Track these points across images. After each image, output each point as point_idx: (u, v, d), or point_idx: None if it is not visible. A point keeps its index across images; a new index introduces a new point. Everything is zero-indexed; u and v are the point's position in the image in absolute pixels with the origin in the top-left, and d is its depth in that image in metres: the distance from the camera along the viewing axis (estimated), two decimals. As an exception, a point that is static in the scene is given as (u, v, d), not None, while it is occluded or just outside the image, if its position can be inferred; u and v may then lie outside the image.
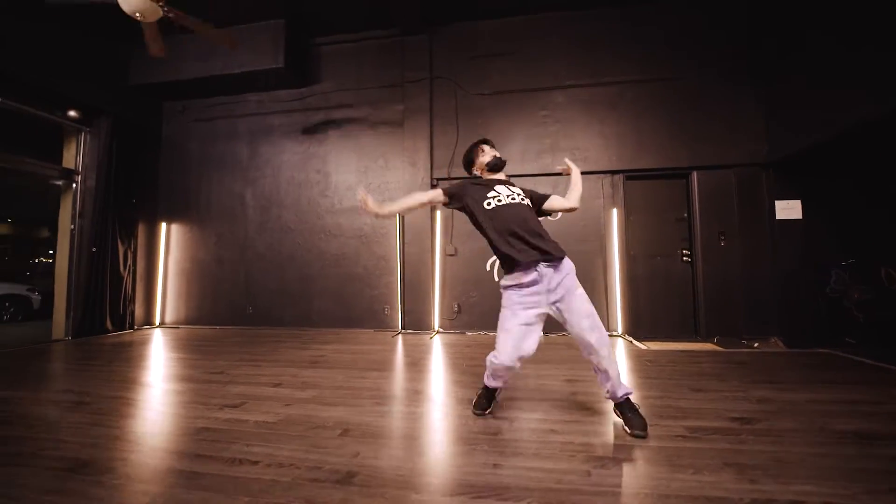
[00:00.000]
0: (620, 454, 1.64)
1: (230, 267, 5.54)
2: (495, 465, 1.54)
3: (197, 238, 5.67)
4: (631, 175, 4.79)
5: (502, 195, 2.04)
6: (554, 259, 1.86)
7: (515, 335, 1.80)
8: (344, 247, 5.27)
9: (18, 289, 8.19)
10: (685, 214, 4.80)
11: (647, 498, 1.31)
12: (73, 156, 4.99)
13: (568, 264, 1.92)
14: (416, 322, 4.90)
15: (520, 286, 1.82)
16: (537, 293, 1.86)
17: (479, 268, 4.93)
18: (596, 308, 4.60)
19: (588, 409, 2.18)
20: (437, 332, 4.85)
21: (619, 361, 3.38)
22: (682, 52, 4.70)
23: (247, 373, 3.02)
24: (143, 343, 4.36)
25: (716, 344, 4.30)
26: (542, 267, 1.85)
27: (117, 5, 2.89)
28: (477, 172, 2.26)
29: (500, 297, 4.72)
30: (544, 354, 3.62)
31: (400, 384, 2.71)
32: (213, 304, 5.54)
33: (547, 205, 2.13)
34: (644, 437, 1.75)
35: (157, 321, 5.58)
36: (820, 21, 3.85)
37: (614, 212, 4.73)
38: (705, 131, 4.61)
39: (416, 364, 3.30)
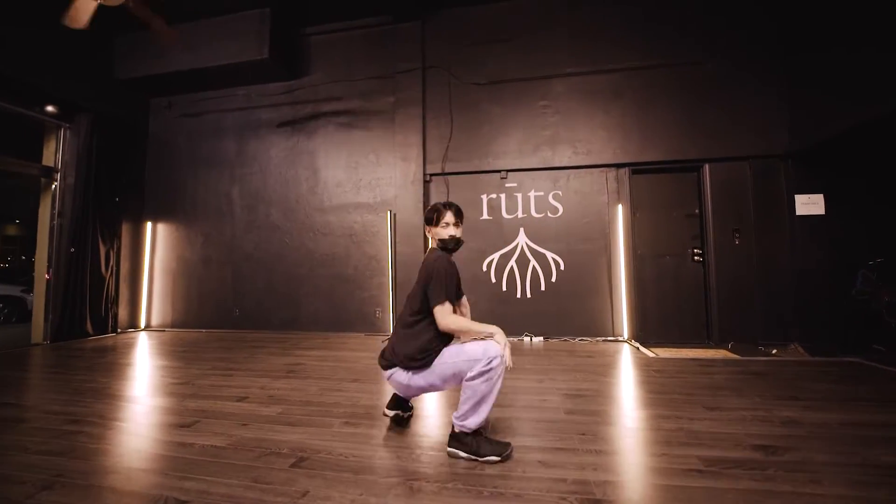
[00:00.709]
0: (621, 494, 1.35)
1: (217, 267, 5.32)
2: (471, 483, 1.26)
3: (183, 237, 5.46)
4: (637, 169, 4.47)
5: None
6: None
7: None
8: (334, 246, 5.02)
9: (12, 290, 8.07)
10: (696, 210, 4.47)
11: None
12: (53, 153, 4.80)
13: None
14: (409, 326, 4.61)
15: None
16: None
17: (474, 269, 4.64)
18: (600, 311, 4.36)
19: (585, 434, 1.89)
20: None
21: (625, 371, 3.08)
22: (691, 37, 4.37)
23: (214, 383, 2.78)
24: (122, 348, 4.15)
25: (730, 351, 3.97)
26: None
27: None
28: (429, 235, 1.97)
29: (496, 300, 4.40)
30: (539, 362, 3.33)
31: (379, 398, 2.44)
32: (200, 306, 5.33)
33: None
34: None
35: (143, 324, 5.38)
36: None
37: (619, 208, 4.41)
38: (718, 121, 4.27)
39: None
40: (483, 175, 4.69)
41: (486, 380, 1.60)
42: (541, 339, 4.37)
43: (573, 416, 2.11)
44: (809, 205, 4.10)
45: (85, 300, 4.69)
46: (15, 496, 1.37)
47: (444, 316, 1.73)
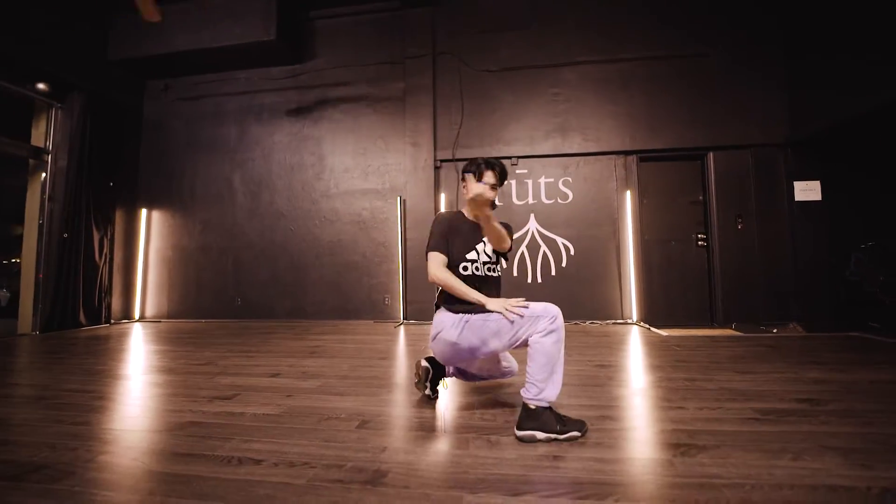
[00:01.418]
0: (704, 439, 1.38)
1: (217, 256, 5.16)
2: (555, 458, 1.27)
3: (180, 225, 5.27)
4: (645, 157, 4.58)
5: (479, 261, 1.71)
6: None
7: None
8: (340, 233, 4.94)
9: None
10: (700, 197, 4.61)
11: (757, 490, 1.05)
12: (43, 134, 4.56)
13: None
14: (420, 312, 4.60)
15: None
16: None
17: (485, 254, 4.65)
18: (609, 295, 4.45)
19: (639, 397, 1.92)
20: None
21: (645, 347, 3.15)
22: (696, 30, 4.51)
23: (238, 363, 2.69)
24: (121, 337, 3.97)
25: (735, 330, 4.11)
26: None
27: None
28: (465, 196, 1.73)
29: (507, 285, 4.45)
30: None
31: (413, 374, 2.41)
32: (198, 296, 5.15)
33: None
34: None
35: (137, 315, 5.17)
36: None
37: (627, 194, 4.51)
38: (721, 111, 4.42)
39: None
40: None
41: (557, 340, 1.44)
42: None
43: (613, 383, 2.14)
44: (807, 191, 4.30)
45: (78, 289, 4.47)
46: (70, 461, 1.29)
47: (431, 266, 1.65)
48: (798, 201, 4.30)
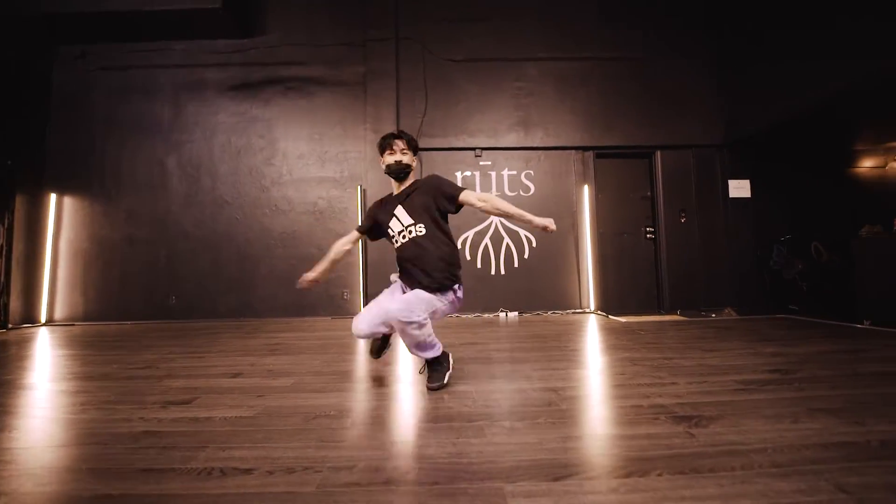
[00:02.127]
0: (704, 410, 1.41)
1: (147, 248, 4.55)
2: (578, 438, 1.21)
3: (100, 213, 4.57)
4: (601, 153, 4.78)
5: (402, 230, 1.92)
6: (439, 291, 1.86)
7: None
8: (294, 224, 4.59)
9: None
10: (648, 193, 4.91)
11: (780, 453, 1.08)
12: None
13: (447, 296, 1.91)
14: (383, 306, 4.39)
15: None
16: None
17: (450, 246, 4.57)
18: (569, 286, 4.57)
19: (625, 374, 1.95)
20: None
21: (610, 332, 3.26)
22: (649, 32, 4.78)
23: (187, 365, 2.35)
24: (23, 343, 3.33)
25: (680, 315, 4.44)
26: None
27: None
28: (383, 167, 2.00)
29: (471, 277, 4.40)
30: (529, 329, 3.38)
31: (393, 366, 2.26)
32: (123, 294, 4.50)
33: (462, 199, 1.88)
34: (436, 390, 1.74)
35: (43, 317, 4.39)
36: (773, 16, 4.13)
37: (585, 189, 4.68)
38: (668, 112, 4.74)
39: (398, 347, 2.86)
40: (458, 152, 4.65)
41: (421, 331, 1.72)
42: (515, 314, 4.46)
43: (605, 364, 2.17)
44: (739, 189, 4.75)
45: (-37, 287, 3.69)
46: (-10, 487, 1.00)
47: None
48: (732, 198, 4.74)
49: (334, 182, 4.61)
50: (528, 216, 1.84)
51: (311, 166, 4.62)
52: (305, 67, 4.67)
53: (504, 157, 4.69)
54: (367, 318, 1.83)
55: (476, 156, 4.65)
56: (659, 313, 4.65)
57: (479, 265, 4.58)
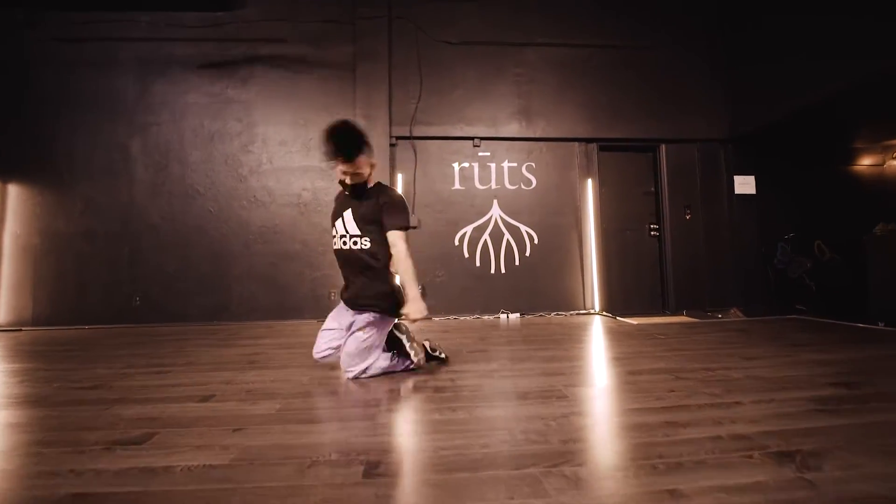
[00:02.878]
0: (799, 446, 1.14)
1: (106, 243, 4.06)
2: (672, 492, 0.92)
3: (52, 203, 4.05)
4: (604, 146, 4.54)
5: (338, 235, 1.91)
6: (355, 308, 1.92)
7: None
8: (275, 217, 4.18)
9: None
10: (652, 188, 4.71)
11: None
12: None
13: (362, 317, 1.89)
14: (374, 308, 4.04)
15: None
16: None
17: (446, 243, 4.26)
18: (572, 285, 4.32)
19: (688, 394, 1.67)
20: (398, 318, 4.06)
21: (631, 336, 3.01)
22: (649, 22, 4.57)
23: (146, 383, 1.95)
24: (-46, 353, 2.83)
25: (687, 316, 4.25)
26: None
27: None
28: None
29: (470, 276, 4.12)
30: (541, 333, 3.10)
31: (411, 378, 1.93)
32: (79, 295, 4.00)
33: (389, 235, 1.84)
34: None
35: (-17, 323, 3.86)
36: (781, 9, 3.98)
37: (589, 183, 4.44)
38: (673, 105, 4.54)
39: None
40: (455, 142, 4.33)
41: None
42: (517, 315, 4.18)
43: (644, 376, 1.89)
44: (745, 185, 4.60)
45: None
46: None
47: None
48: (737, 194, 4.58)
49: (320, 172, 4.21)
50: (409, 292, 1.80)
51: (294, 154, 4.21)
52: (288, 45, 4.25)
53: (504, 148, 4.40)
54: (321, 348, 1.99)
55: (475, 146, 4.34)
56: (664, 314, 4.45)
57: (478, 263, 4.28)
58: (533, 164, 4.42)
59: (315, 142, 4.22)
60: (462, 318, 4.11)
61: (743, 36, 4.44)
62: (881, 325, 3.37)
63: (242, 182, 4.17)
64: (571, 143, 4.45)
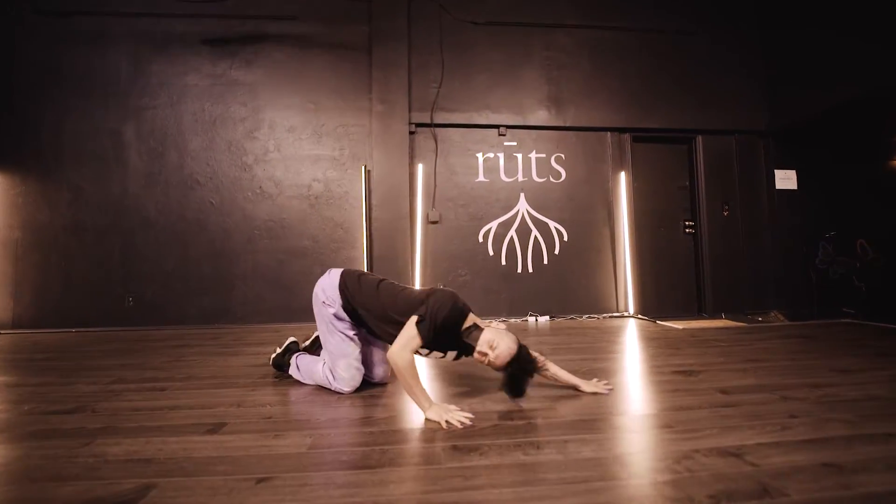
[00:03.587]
0: None
1: (97, 238, 3.69)
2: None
3: (36, 193, 3.67)
4: (637, 136, 4.22)
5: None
6: None
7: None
8: (283, 211, 3.82)
9: None
10: (686, 183, 4.39)
11: None
12: None
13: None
14: (391, 310, 3.70)
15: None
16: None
17: (469, 239, 3.93)
18: (604, 286, 4.00)
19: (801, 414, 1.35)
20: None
21: (685, 343, 2.68)
22: (688, 6, 4.25)
23: (139, 405, 1.61)
24: (-83, 361, 2.46)
25: (728, 320, 3.93)
26: None
27: None
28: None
29: (495, 276, 3.78)
30: (585, 340, 2.77)
31: (488, 399, 1.59)
32: (66, 294, 3.63)
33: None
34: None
35: (-42, 325, 3.48)
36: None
37: (622, 176, 4.11)
38: (711, 93, 4.23)
39: (443, 367, 2.19)
40: (479, 130, 3.99)
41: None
42: (546, 318, 3.85)
43: (743, 395, 1.57)
44: (786, 180, 4.29)
45: None
46: None
47: (407, 347, 1.43)
48: (778, 189, 4.27)
49: (332, 161, 3.86)
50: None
51: (303, 141, 3.85)
52: (297, 23, 3.89)
53: (532, 138, 4.06)
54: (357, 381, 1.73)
55: (500, 134, 4.00)
56: (701, 317, 4.13)
57: (503, 262, 3.94)
58: (562, 156, 4.08)
59: (327, 128, 3.87)
60: (486, 320, 3.76)
61: (786, 19, 4.12)
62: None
63: (247, 171, 3.80)
64: (603, 133, 4.13)
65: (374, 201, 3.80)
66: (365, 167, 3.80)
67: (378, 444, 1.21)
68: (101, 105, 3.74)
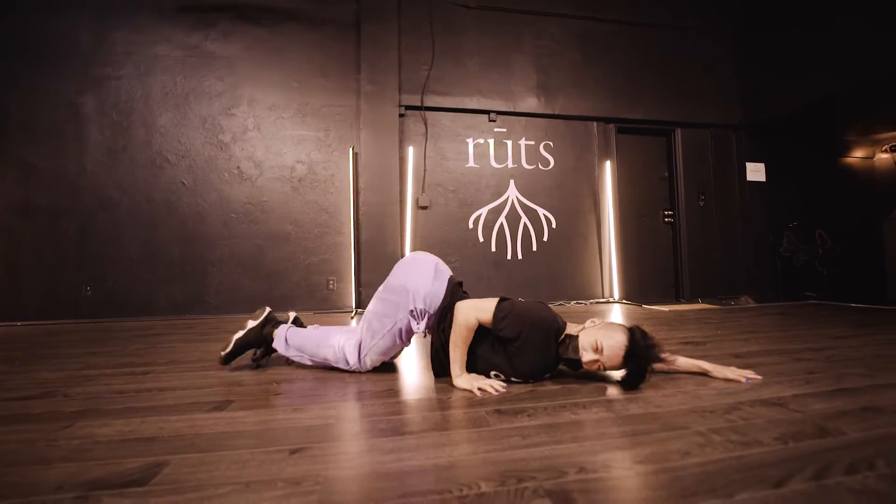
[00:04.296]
0: None
1: (50, 220, 3.32)
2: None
3: (-25, 170, 3.26)
4: (621, 127, 4.31)
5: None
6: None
7: None
8: (263, 193, 3.60)
9: None
10: (666, 174, 4.54)
11: None
12: None
13: None
14: (380, 297, 3.56)
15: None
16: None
17: (459, 225, 3.86)
18: (591, 272, 4.06)
19: (787, 376, 1.37)
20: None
21: (681, 322, 2.74)
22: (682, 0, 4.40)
23: (122, 388, 1.42)
24: None
25: (703, 304, 4.10)
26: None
27: None
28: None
29: (485, 262, 3.73)
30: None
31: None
32: (14, 284, 3.25)
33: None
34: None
35: None
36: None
37: (607, 165, 4.18)
38: (691, 87, 4.39)
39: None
40: (469, 115, 3.93)
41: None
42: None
43: (760, 358, 1.59)
44: (756, 172, 4.52)
45: None
46: None
47: (478, 309, 1.28)
48: (749, 181, 4.50)
49: (318, 142, 3.68)
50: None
51: (286, 120, 3.65)
52: (279, -4, 3.68)
53: (522, 125, 4.05)
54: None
55: (490, 120, 3.97)
56: (679, 302, 4.28)
57: (493, 248, 3.90)
58: (551, 143, 4.10)
59: (311, 107, 3.69)
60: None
61: (761, 16, 4.35)
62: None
63: (224, 150, 3.55)
64: (590, 123, 4.19)
65: (361, 185, 3.65)
66: (353, 149, 3.64)
67: (413, 412, 1.11)
68: (56, 73, 3.37)
